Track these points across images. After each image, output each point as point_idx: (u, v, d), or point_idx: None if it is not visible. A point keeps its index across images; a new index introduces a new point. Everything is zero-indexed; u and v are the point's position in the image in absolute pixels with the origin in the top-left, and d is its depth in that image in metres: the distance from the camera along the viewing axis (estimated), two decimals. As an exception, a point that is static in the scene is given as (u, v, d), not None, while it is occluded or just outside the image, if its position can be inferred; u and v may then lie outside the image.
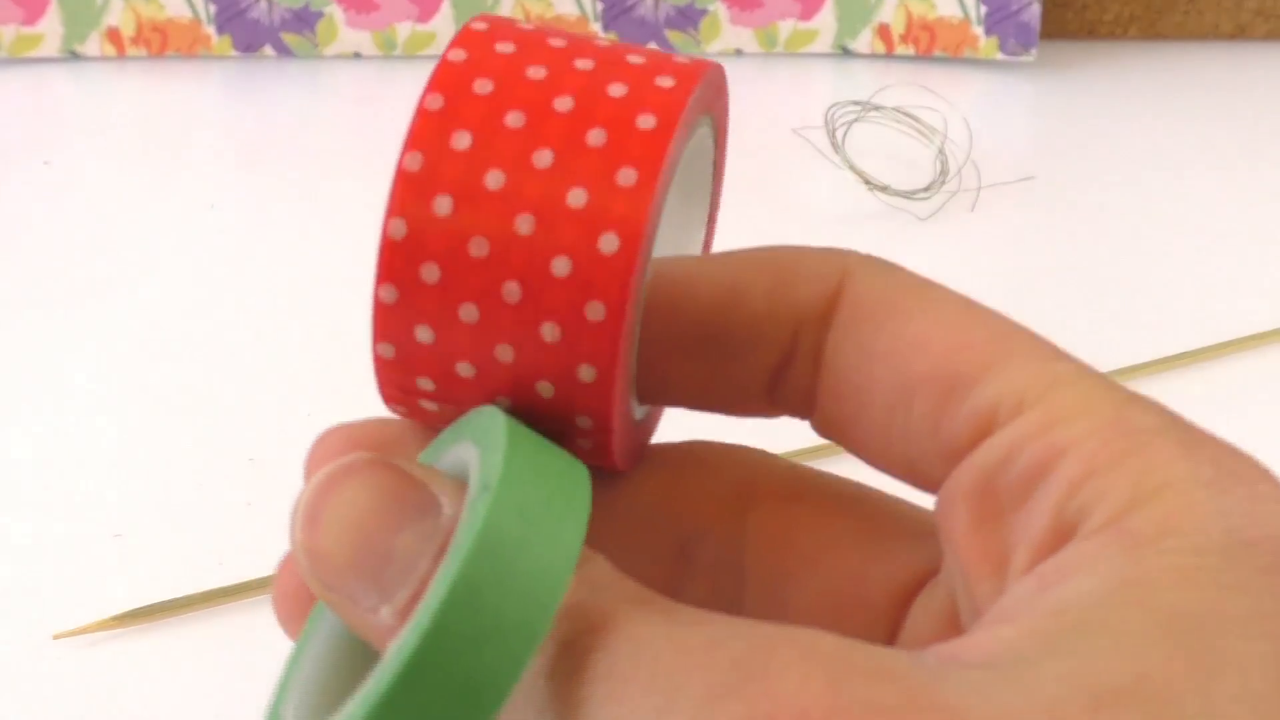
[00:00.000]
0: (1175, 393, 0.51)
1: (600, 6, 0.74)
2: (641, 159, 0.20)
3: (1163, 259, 0.59)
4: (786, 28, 0.75)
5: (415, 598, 0.19)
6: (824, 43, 0.76)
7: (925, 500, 0.24)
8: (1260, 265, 0.58)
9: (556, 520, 0.19)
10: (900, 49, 0.75)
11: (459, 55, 0.21)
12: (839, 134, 0.61)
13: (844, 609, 0.24)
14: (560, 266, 0.20)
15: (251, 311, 0.54)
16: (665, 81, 0.21)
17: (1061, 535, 0.19)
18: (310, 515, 0.20)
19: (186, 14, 0.73)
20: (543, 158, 0.20)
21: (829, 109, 0.62)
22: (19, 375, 0.49)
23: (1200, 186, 0.65)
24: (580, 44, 0.22)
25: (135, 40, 0.74)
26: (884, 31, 0.75)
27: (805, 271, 0.23)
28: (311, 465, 0.24)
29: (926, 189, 0.60)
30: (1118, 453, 0.19)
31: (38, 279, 0.56)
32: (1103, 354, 0.51)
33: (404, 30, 0.74)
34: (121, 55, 0.74)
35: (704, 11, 0.75)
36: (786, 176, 0.64)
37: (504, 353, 0.21)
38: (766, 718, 0.16)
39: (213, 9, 0.73)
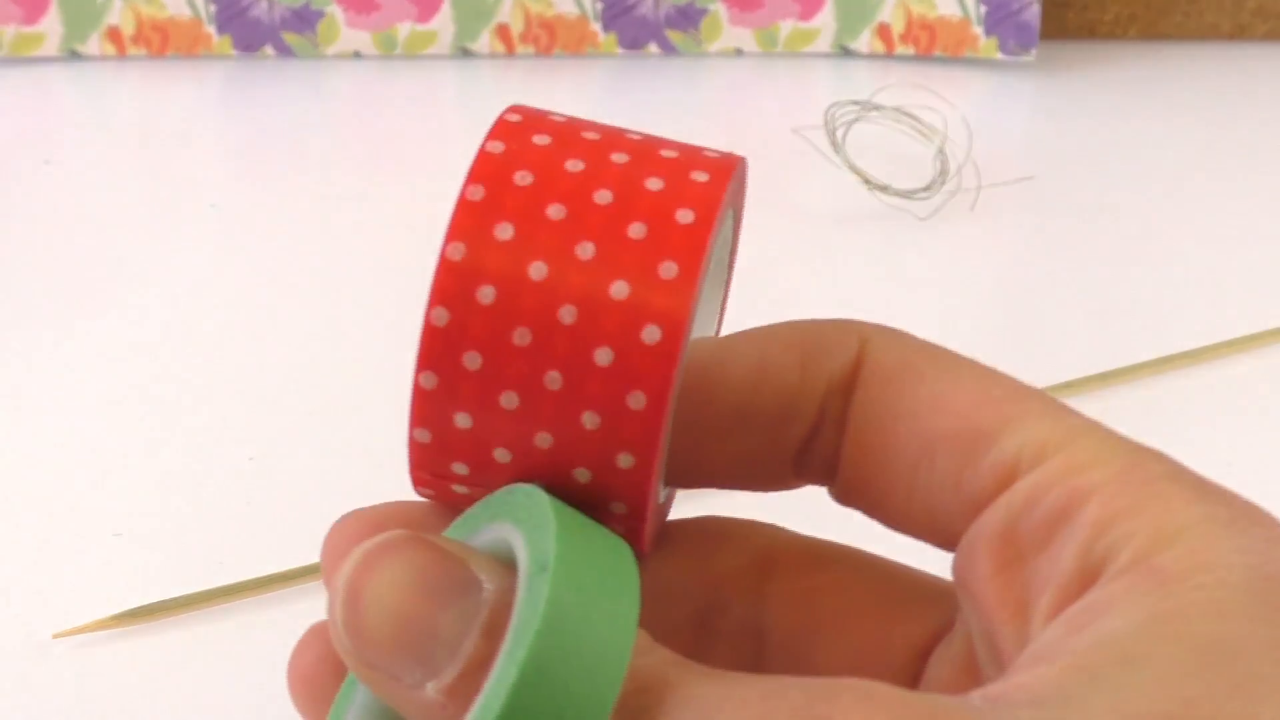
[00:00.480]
0: (1175, 393, 0.51)
1: (600, 6, 0.74)
2: (682, 252, 0.21)
3: (1163, 259, 0.59)
4: (786, 28, 0.75)
5: (463, 675, 0.20)
6: (824, 43, 0.76)
7: (933, 566, 0.25)
8: (1260, 265, 0.58)
9: (613, 596, 0.20)
10: (900, 49, 0.75)
11: (497, 147, 0.22)
12: (839, 134, 0.61)
13: (864, 667, 0.25)
14: (603, 356, 0.21)
15: (252, 311, 0.54)
16: (700, 176, 0.22)
17: (1088, 576, 0.20)
18: (351, 594, 0.20)
19: (187, 13, 0.73)
20: (585, 250, 0.21)
21: (829, 109, 0.62)
22: (19, 375, 0.49)
23: (1200, 186, 0.65)
24: (614, 137, 0.23)
25: (135, 40, 0.74)
26: (884, 31, 0.75)
27: (828, 343, 0.24)
28: (329, 549, 0.24)
29: (926, 189, 0.60)
30: (1139, 497, 0.20)
31: (37, 278, 0.56)
32: (1102, 353, 0.51)
33: (404, 30, 0.74)
34: (122, 55, 0.74)
35: (704, 11, 0.75)
36: (786, 176, 0.64)
37: (543, 439, 0.21)
38: None
39: (213, 9, 0.73)
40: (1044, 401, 0.23)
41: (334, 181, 0.64)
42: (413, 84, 0.73)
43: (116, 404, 0.48)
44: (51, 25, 0.73)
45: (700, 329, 0.27)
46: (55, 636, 0.37)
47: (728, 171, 0.22)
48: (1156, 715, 0.17)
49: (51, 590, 0.39)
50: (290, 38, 0.74)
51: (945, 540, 0.23)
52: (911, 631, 0.25)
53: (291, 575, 0.39)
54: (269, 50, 0.74)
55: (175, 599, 0.38)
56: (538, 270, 0.21)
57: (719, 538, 0.26)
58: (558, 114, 0.23)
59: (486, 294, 0.21)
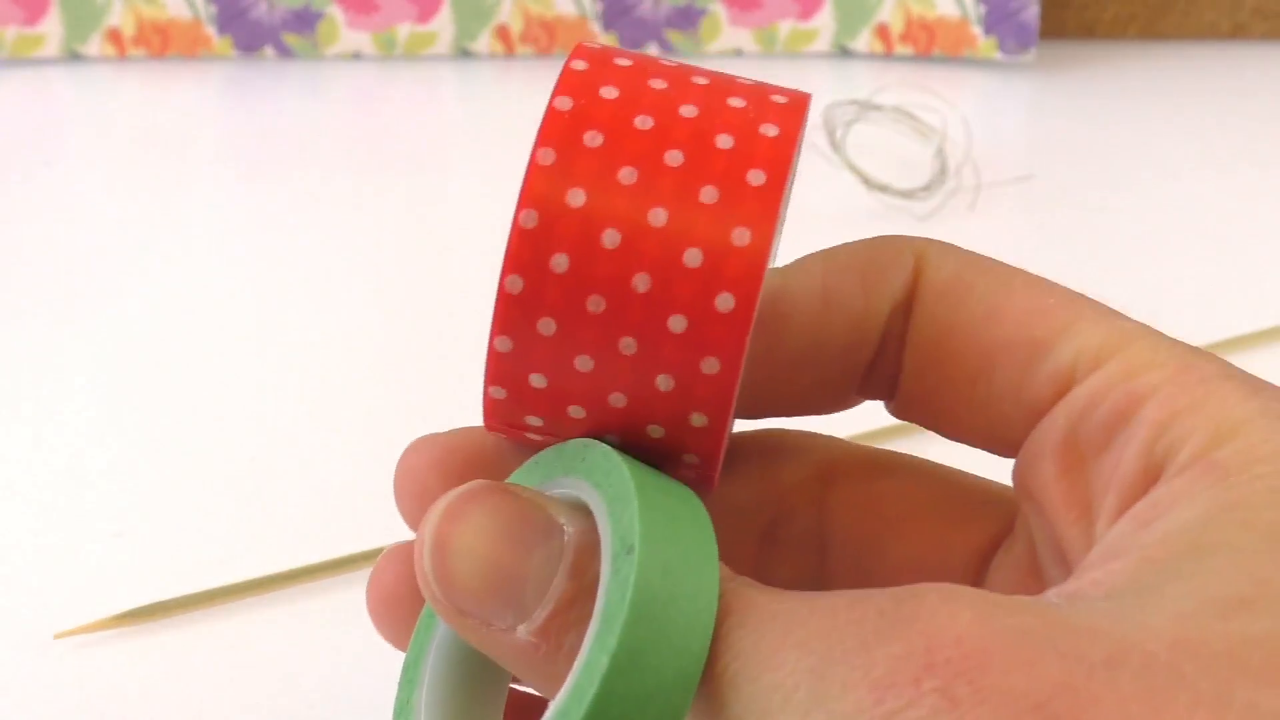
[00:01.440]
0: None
1: (600, 7, 0.74)
2: (755, 217, 0.21)
3: (1161, 258, 0.59)
4: (786, 28, 0.75)
5: (553, 616, 0.20)
6: (823, 43, 0.76)
7: (991, 472, 0.26)
8: (1259, 264, 0.58)
9: (696, 571, 0.20)
10: (899, 49, 0.75)
11: (581, 65, 0.22)
12: (838, 134, 0.61)
13: (926, 573, 0.25)
14: (677, 324, 0.21)
15: (252, 311, 0.54)
16: (770, 131, 0.22)
17: (1150, 475, 0.21)
18: (439, 545, 0.21)
19: (187, 14, 0.74)
20: (658, 216, 0.21)
21: (828, 109, 0.62)
22: (20, 376, 0.49)
23: (1199, 186, 0.65)
24: (682, 85, 0.22)
25: (136, 41, 0.74)
26: (883, 31, 0.75)
27: (886, 262, 0.25)
28: (402, 476, 0.25)
29: (925, 188, 0.60)
30: (1195, 397, 0.21)
31: (38, 279, 0.56)
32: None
33: (404, 31, 0.74)
34: (122, 56, 0.74)
35: (703, 11, 0.75)
36: (786, 176, 0.64)
37: (617, 399, 0.22)
38: (925, 652, 0.18)
39: (213, 9, 0.73)
40: (1096, 307, 0.23)
41: (334, 182, 0.64)
42: (413, 84, 0.73)
43: (117, 404, 0.48)
44: (52, 26, 0.73)
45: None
46: (57, 636, 0.37)
47: (798, 120, 0.22)
48: (1232, 597, 0.18)
49: (53, 590, 0.39)
50: (290, 38, 0.74)
51: (1006, 448, 0.24)
52: (972, 536, 0.25)
53: (291, 575, 0.39)
54: (269, 51, 0.74)
55: (175, 599, 0.38)
56: (610, 238, 0.21)
57: (780, 451, 0.27)
58: (624, 59, 0.23)
59: (560, 262, 0.21)
